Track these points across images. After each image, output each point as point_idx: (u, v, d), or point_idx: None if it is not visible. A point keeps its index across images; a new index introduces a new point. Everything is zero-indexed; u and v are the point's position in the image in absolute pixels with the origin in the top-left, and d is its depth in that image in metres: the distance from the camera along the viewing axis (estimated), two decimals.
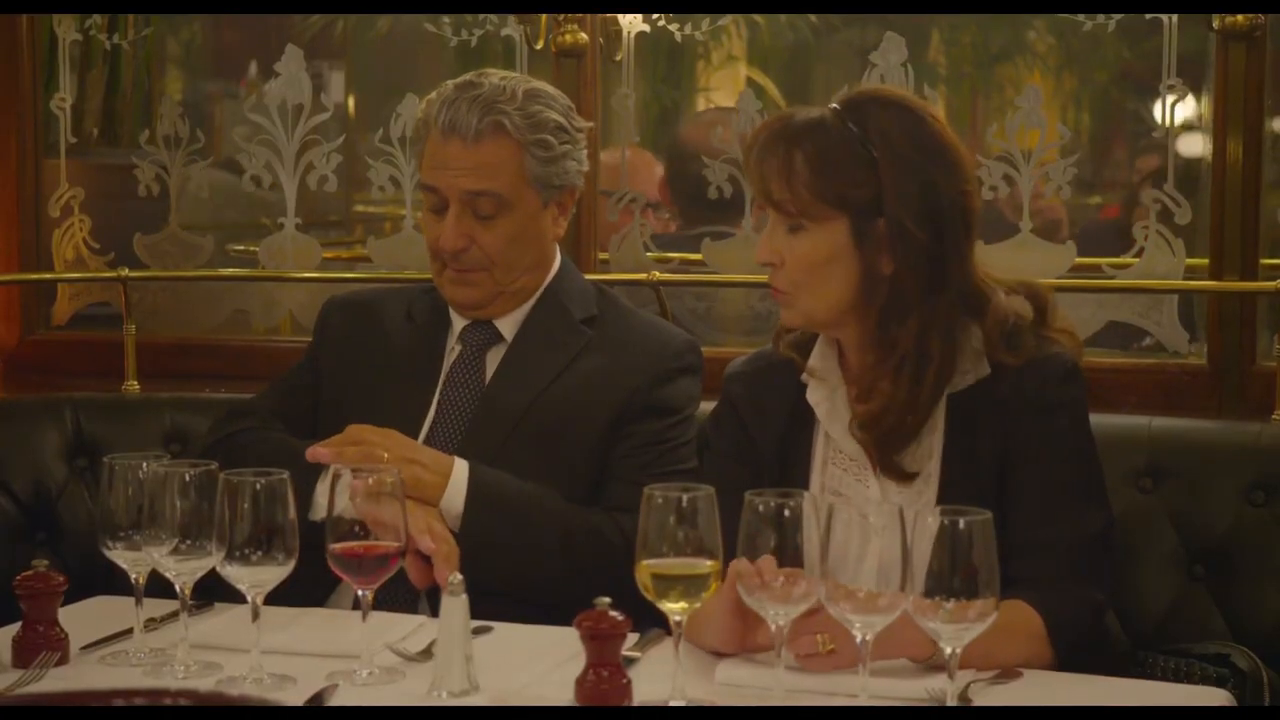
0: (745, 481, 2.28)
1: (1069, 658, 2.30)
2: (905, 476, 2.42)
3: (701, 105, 4.63)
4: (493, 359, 2.86)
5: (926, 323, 2.39)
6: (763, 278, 3.52)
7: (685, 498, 2.03)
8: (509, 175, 2.78)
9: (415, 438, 2.79)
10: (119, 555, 2.30)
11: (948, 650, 1.96)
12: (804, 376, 2.51)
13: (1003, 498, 2.38)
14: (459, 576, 2.15)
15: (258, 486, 2.15)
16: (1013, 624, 2.21)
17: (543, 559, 2.67)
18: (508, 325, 2.88)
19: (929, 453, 2.42)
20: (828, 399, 2.49)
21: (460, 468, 2.67)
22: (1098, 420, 2.61)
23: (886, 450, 2.42)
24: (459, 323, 2.89)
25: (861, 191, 2.37)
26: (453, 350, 2.88)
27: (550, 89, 2.88)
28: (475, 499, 2.65)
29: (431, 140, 2.82)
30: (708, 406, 2.78)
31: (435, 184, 2.81)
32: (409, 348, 2.90)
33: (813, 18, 4.42)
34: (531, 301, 2.88)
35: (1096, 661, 2.32)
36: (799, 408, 2.51)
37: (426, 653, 2.27)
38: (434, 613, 2.35)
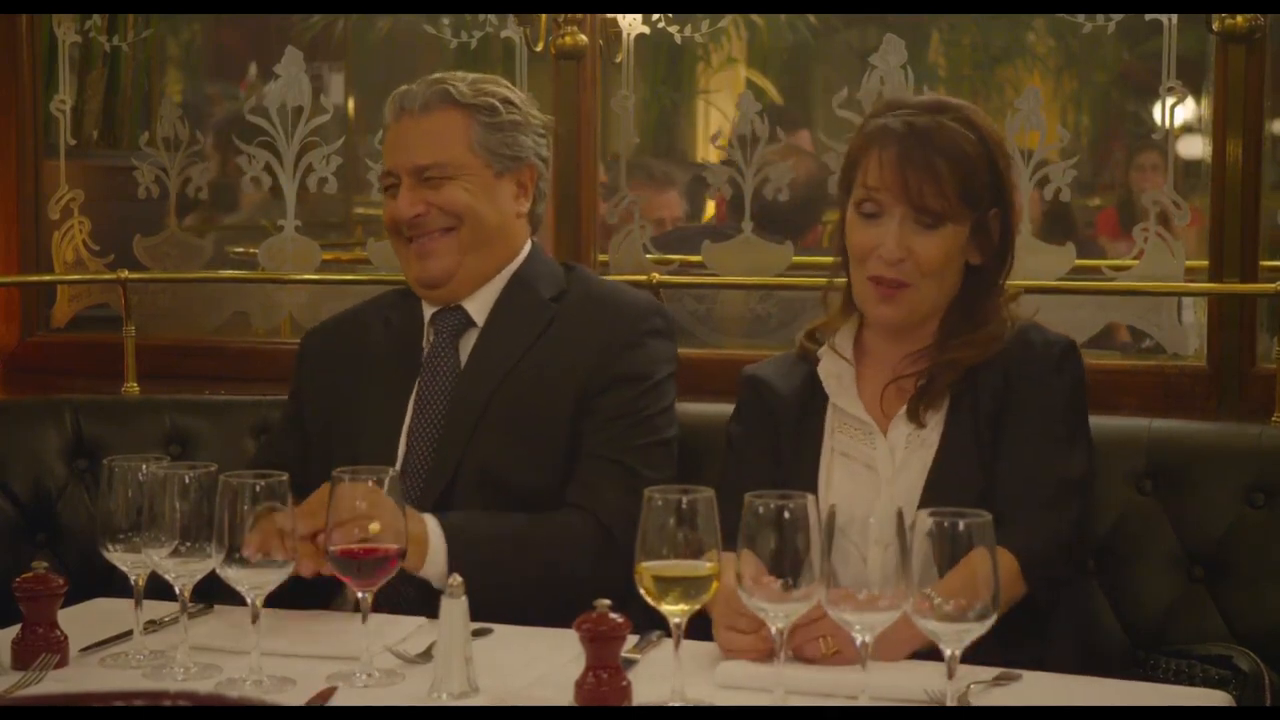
0: (769, 449, 2.64)
1: (1043, 597, 2.47)
2: (921, 423, 2.57)
3: (701, 107, 4.64)
4: (465, 345, 2.85)
5: (1000, 299, 2.64)
6: (761, 279, 3.56)
7: (685, 499, 2.03)
8: (456, 145, 2.82)
9: (396, 437, 2.79)
10: (118, 557, 2.30)
11: (948, 652, 1.96)
12: (820, 351, 2.67)
13: (997, 447, 2.53)
14: (459, 578, 2.15)
15: (257, 489, 2.15)
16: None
17: (532, 588, 2.63)
18: (478, 309, 2.86)
19: (936, 408, 2.58)
20: (836, 376, 2.64)
21: (432, 525, 2.60)
22: (1097, 422, 2.66)
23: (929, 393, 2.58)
24: (430, 312, 2.89)
25: (985, 189, 2.58)
26: (427, 341, 2.88)
27: (506, 83, 2.96)
28: (455, 553, 2.58)
29: (388, 133, 2.88)
30: (707, 409, 2.80)
31: (389, 167, 2.85)
32: (387, 353, 2.89)
33: (812, 19, 4.43)
34: (501, 285, 2.87)
35: (1097, 662, 2.33)
36: (813, 389, 2.66)
37: (426, 655, 2.26)
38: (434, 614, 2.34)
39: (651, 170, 4.48)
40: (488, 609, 2.42)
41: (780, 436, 2.66)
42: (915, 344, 2.62)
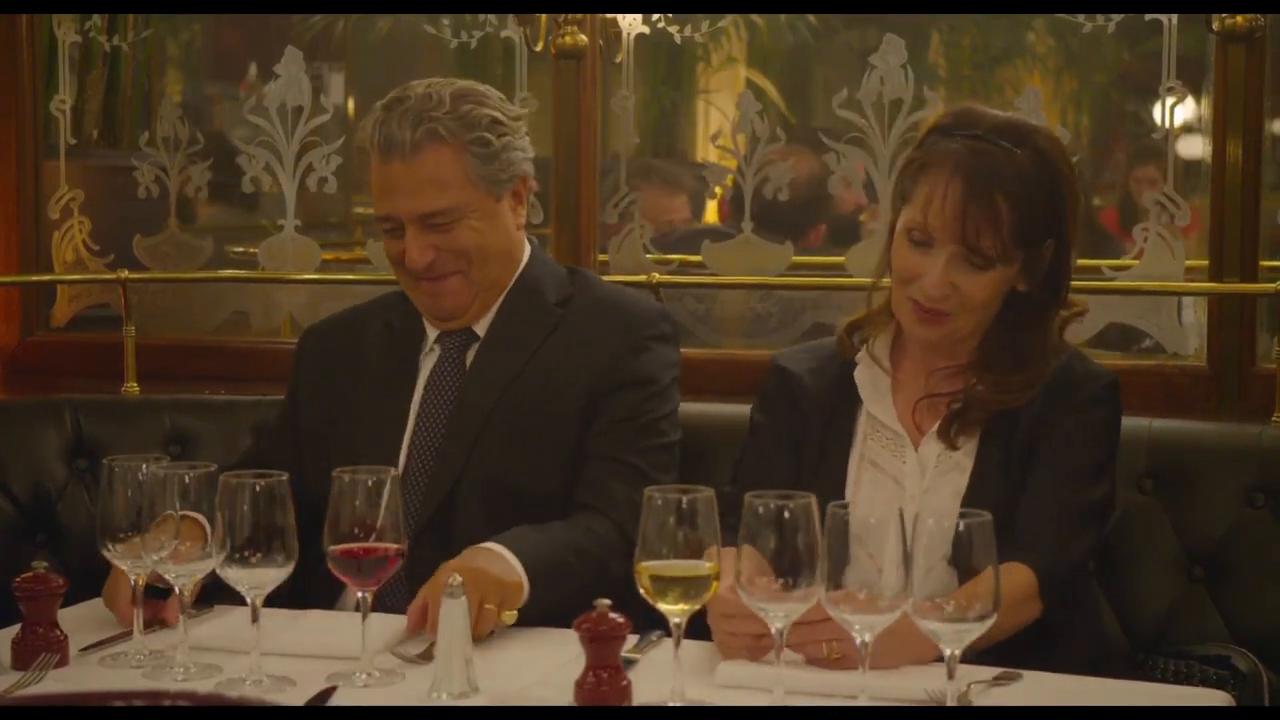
0: (791, 442, 2.62)
1: (1054, 617, 2.45)
2: (953, 445, 2.54)
3: (701, 107, 4.64)
4: (470, 351, 2.84)
5: (1052, 328, 2.58)
6: (761, 279, 3.55)
7: (685, 499, 2.03)
8: (455, 184, 2.74)
9: (397, 446, 2.77)
10: (118, 557, 2.30)
11: (948, 652, 1.96)
12: (858, 356, 2.63)
13: (1026, 475, 2.50)
14: (459, 578, 2.15)
15: (257, 488, 2.15)
16: (1011, 590, 2.24)
17: (590, 593, 2.59)
18: (483, 323, 2.85)
19: (969, 435, 2.55)
20: (871, 381, 2.61)
21: (515, 562, 2.51)
22: None
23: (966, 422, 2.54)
24: (435, 331, 2.86)
25: (1044, 227, 2.50)
26: (431, 352, 2.85)
27: (479, 86, 2.84)
28: (535, 578, 2.51)
29: (373, 167, 2.78)
30: (707, 409, 2.79)
31: (389, 212, 2.76)
32: (387, 356, 2.87)
33: (812, 19, 4.43)
34: (504, 294, 2.85)
35: (1097, 662, 2.33)
36: (846, 390, 2.63)
37: (426, 655, 2.27)
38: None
39: (662, 173, 4.49)
40: (557, 620, 2.40)
41: (805, 433, 2.64)
42: (953, 359, 2.58)
